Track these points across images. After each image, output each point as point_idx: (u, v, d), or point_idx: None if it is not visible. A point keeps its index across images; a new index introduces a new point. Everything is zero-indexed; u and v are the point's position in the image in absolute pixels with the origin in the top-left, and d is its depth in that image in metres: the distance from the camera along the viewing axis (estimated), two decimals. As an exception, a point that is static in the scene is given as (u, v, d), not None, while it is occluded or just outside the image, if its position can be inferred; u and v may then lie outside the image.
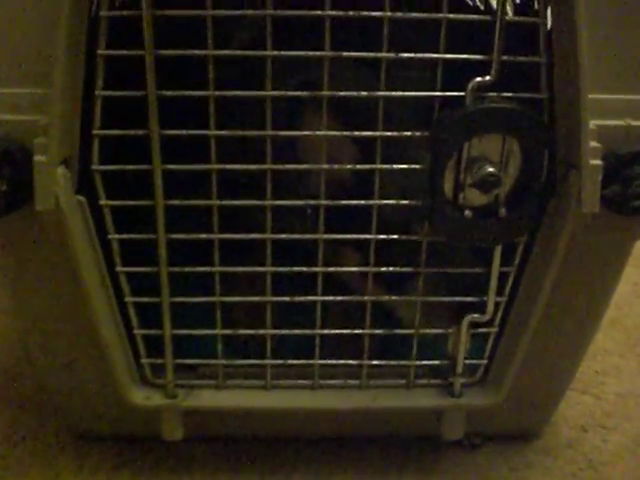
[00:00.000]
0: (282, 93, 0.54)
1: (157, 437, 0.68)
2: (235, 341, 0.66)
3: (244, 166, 0.57)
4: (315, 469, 0.74)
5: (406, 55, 0.54)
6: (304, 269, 0.60)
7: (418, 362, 0.65)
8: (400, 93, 0.55)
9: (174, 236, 0.58)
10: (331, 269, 0.61)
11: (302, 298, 0.61)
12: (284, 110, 0.58)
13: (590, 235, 0.58)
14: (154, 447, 0.75)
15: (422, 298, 0.62)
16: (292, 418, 0.71)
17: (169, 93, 0.54)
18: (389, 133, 0.56)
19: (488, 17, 0.53)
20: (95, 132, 0.55)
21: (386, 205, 0.58)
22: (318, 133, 0.56)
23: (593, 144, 0.54)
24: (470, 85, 0.53)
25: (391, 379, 0.67)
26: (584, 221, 0.56)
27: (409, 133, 0.56)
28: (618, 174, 0.55)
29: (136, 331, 0.63)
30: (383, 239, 0.59)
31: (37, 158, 0.52)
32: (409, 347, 0.64)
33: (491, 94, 0.54)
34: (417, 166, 0.57)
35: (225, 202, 0.57)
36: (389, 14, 0.52)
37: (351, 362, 0.65)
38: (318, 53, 0.53)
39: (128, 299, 0.61)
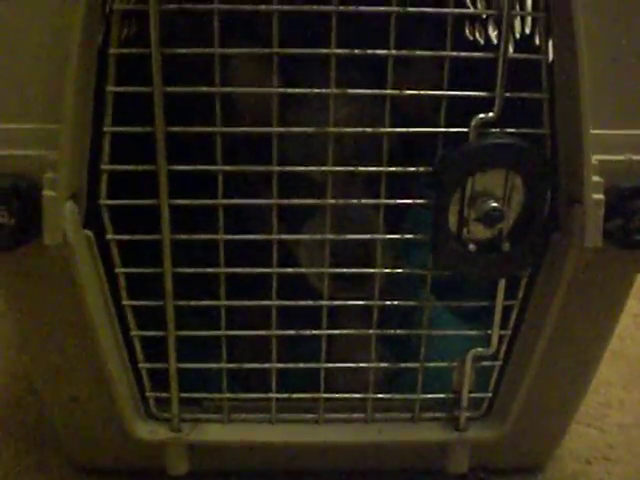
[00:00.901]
0: (288, 130, 0.55)
1: (161, 471, 0.68)
2: (240, 374, 0.66)
3: (248, 201, 0.58)
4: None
5: (409, 92, 0.55)
6: (310, 303, 0.60)
7: (423, 396, 0.65)
8: (404, 130, 0.56)
9: (180, 270, 0.59)
10: (336, 303, 0.61)
11: (307, 332, 0.62)
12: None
13: (593, 268, 0.59)
14: (158, 481, 0.75)
15: (427, 331, 0.62)
16: (297, 452, 0.71)
17: (177, 129, 0.55)
18: (393, 169, 0.57)
19: (491, 55, 0.54)
20: (103, 167, 0.56)
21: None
22: (324, 169, 0.57)
23: (595, 179, 0.55)
24: (473, 121, 0.54)
25: (396, 412, 0.67)
26: (587, 254, 0.57)
27: (413, 169, 0.56)
28: (620, 208, 0.56)
29: (141, 365, 0.63)
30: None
31: (46, 193, 0.53)
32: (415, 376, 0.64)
33: (494, 130, 0.55)
34: (422, 201, 0.57)
35: (231, 237, 0.58)
36: (394, 52, 0.53)
37: (356, 396, 0.65)
38: (324, 91, 0.54)
39: (134, 333, 0.61)
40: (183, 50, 0.53)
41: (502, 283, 0.61)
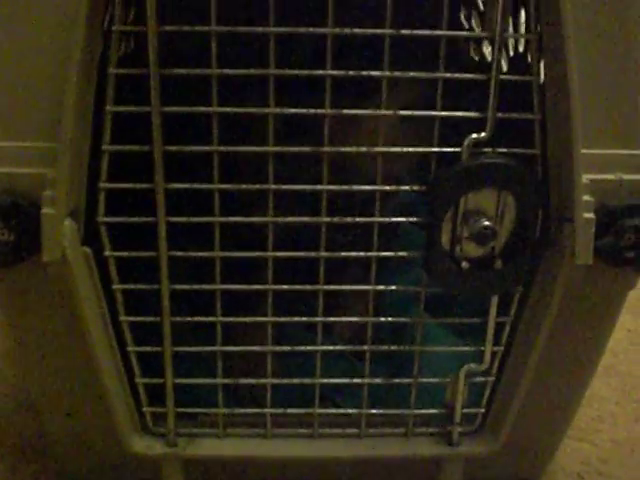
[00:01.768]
0: (285, 149, 0.56)
1: (157, 486, 0.68)
2: (235, 388, 0.67)
3: (245, 219, 0.58)
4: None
5: (403, 112, 0.56)
6: (304, 319, 0.61)
7: (417, 411, 0.66)
8: (398, 149, 0.57)
9: (177, 287, 0.59)
10: (331, 319, 0.62)
11: (302, 348, 0.62)
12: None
13: (584, 285, 0.60)
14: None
15: (420, 348, 0.63)
16: (292, 466, 0.72)
17: (174, 148, 0.55)
18: (388, 188, 0.57)
19: (483, 76, 0.55)
20: (102, 185, 0.57)
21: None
22: (318, 187, 0.57)
23: (586, 198, 0.55)
24: (466, 141, 0.55)
25: (390, 427, 0.67)
26: (578, 272, 0.58)
27: (407, 187, 0.57)
28: (610, 226, 0.57)
29: (138, 380, 0.63)
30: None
31: (45, 211, 0.53)
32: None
33: (486, 150, 0.56)
34: (415, 219, 0.58)
35: (228, 253, 0.59)
36: (387, 74, 0.54)
37: (350, 411, 0.66)
38: (319, 111, 0.55)
39: (130, 348, 0.62)
40: (182, 70, 0.54)
41: (495, 300, 0.61)
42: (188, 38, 0.54)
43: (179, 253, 0.58)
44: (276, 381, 0.63)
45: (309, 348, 0.62)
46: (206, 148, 0.56)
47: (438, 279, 0.59)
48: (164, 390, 0.63)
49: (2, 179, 0.55)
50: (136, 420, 0.66)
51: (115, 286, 0.60)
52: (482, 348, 0.63)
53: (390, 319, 0.63)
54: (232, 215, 0.58)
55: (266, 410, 0.65)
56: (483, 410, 0.67)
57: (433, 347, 0.64)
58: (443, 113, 0.56)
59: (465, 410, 0.66)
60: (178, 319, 0.61)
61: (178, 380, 0.63)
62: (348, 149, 0.58)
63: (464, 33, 0.56)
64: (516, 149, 0.57)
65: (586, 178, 0.56)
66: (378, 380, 0.64)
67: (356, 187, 0.58)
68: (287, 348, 0.63)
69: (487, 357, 0.63)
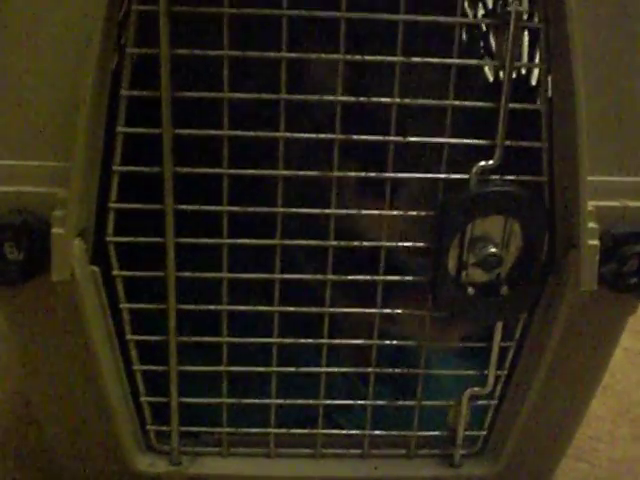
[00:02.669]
0: (294, 173, 0.57)
1: (160, 503, 0.68)
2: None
3: (252, 241, 0.59)
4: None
5: (413, 139, 0.56)
6: (310, 341, 0.61)
7: (420, 433, 0.66)
8: (407, 175, 0.57)
9: (184, 307, 0.60)
10: (336, 342, 0.62)
11: (306, 369, 0.63)
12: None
13: (587, 310, 0.60)
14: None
15: (425, 371, 0.63)
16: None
17: (185, 170, 0.56)
18: (395, 212, 0.58)
19: (493, 104, 0.55)
20: (111, 205, 0.57)
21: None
22: (326, 211, 0.58)
23: (591, 225, 0.56)
24: (474, 169, 0.55)
25: (392, 448, 0.68)
26: (582, 298, 0.58)
27: (414, 213, 0.58)
28: (614, 253, 0.57)
29: (143, 398, 0.64)
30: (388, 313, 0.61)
31: (55, 231, 0.54)
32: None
33: (494, 177, 0.56)
34: (422, 244, 0.59)
35: (235, 275, 0.59)
36: (398, 100, 0.55)
37: (353, 432, 0.66)
38: (329, 136, 0.55)
39: (136, 367, 0.62)
40: (194, 94, 0.54)
41: (499, 325, 0.62)
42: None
43: (187, 274, 0.59)
44: (280, 401, 0.64)
45: (313, 370, 0.62)
46: (216, 170, 0.56)
47: (444, 305, 0.59)
48: (168, 408, 0.63)
49: (13, 198, 0.55)
50: (140, 438, 0.66)
51: (122, 305, 0.60)
52: (485, 372, 0.63)
53: (394, 342, 0.63)
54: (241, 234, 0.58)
55: (270, 430, 0.65)
56: (485, 432, 0.68)
57: (436, 370, 0.65)
58: (452, 140, 0.56)
59: (467, 432, 0.66)
60: (184, 339, 0.61)
61: (183, 399, 0.63)
62: (355, 174, 0.58)
63: (475, 61, 0.56)
64: (523, 176, 0.57)
65: (591, 205, 0.56)
66: (382, 402, 0.65)
67: (365, 212, 0.58)
68: (291, 369, 0.63)
69: (490, 381, 0.64)
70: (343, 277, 0.60)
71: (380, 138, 0.56)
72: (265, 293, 0.60)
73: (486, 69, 0.88)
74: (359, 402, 0.64)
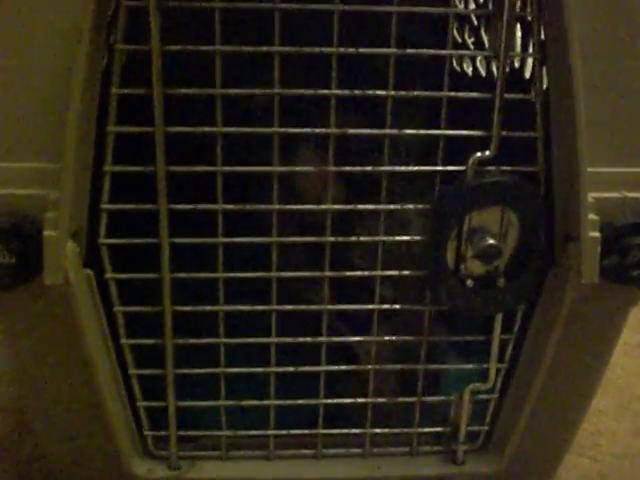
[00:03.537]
0: (288, 169, 0.56)
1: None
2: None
3: (247, 239, 0.58)
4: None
5: (408, 132, 0.56)
6: (308, 339, 0.61)
7: (421, 430, 0.65)
8: (403, 168, 0.57)
9: (179, 308, 0.59)
10: (335, 339, 0.61)
11: (306, 369, 0.62)
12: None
13: (589, 303, 0.60)
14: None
15: (424, 366, 0.63)
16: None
17: (177, 169, 0.55)
18: (392, 206, 0.57)
19: (488, 95, 0.55)
20: (103, 206, 0.56)
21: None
22: (323, 207, 0.57)
23: (591, 217, 0.55)
24: (471, 160, 0.55)
25: (394, 447, 0.67)
26: (583, 290, 0.58)
27: (411, 206, 0.57)
28: (615, 245, 0.57)
29: (139, 403, 0.63)
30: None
31: (47, 233, 0.53)
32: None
33: (490, 168, 0.56)
34: (419, 237, 0.58)
35: (231, 274, 0.58)
36: (392, 93, 0.54)
37: (354, 431, 0.65)
38: (324, 131, 0.55)
39: (132, 371, 0.61)
40: (186, 90, 0.53)
41: (499, 317, 0.61)
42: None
43: (182, 275, 0.58)
44: (279, 402, 0.63)
45: (313, 369, 0.62)
46: (210, 168, 0.55)
47: (443, 297, 0.58)
48: (166, 413, 0.62)
49: (3, 201, 0.54)
50: (138, 443, 0.65)
51: (116, 308, 0.59)
52: (486, 366, 0.63)
53: (394, 338, 0.62)
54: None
55: (269, 432, 0.64)
56: (487, 428, 0.67)
57: (437, 366, 0.64)
58: (448, 132, 0.55)
59: (470, 428, 0.66)
60: (180, 341, 0.60)
61: (180, 403, 0.62)
62: (352, 169, 0.57)
63: (469, 52, 0.56)
64: (519, 167, 0.57)
65: (591, 197, 0.56)
66: (382, 399, 0.64)
67: (361, 206, 0.57)
68: (290, 369, 0.62)
69: (492, 374, 0.63)
70: (340, 273, 0.59)
71: (376, 131, 0.55)
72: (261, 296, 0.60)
73: (478, 64, 0.88)
74: (359, 400, 0.63)
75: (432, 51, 0.54)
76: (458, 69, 0.95)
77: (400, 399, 0.65)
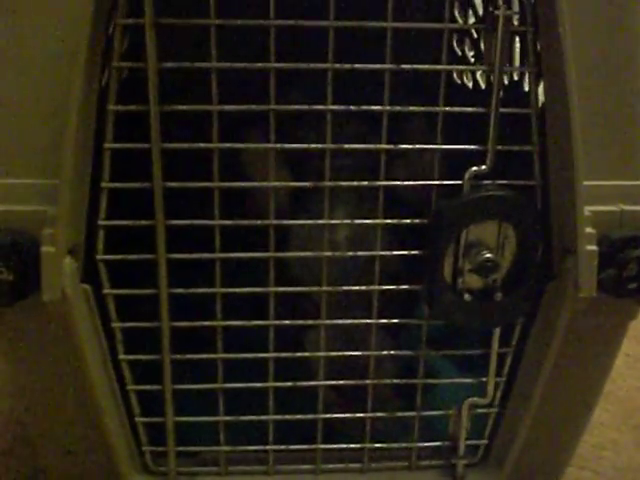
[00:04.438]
0: (284, 184, 0.56)
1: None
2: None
3: (245, 254, 0.58)
4: None
5: (404, 146, 0.56)
6: (306, 354, 0.61)
7: (420, 444, 0.65)
8: (400, 182, 0.57)
9: (177, 324, 0.59)
10: (333, 354, 0.61)
11: (304, 383, 0.62)
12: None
13: (587, 316, 0.59)
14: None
15: (423, 381, 0.62)
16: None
17: (174, 185, 0.55)
18: (389, 221, 0.57)
19: (483, 110, 0.55)
20: (101, 223, 0.56)
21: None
22: (320, 222, 0.57)
23: (588, 230, 0.55)
24: (467, 174, 0.55)
25: (393, 461, 0.67)
26: (581, 304, 0.57)
27: (408, 221, 0.57)
28: (613, 258, 0.57)
29: (138, 419, 0.63)
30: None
31: (45, 249, 0.53)
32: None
33: (487, 182, 0.56)
34: (416, 252, 0.58)
35: (229, 290, 0.58)
36: (388, 108, 0.54)
37: (353, 446, 0.65)
38: (320, 146, 0.55)
39: (130, 387, 0.61)
40: (182, 107, 0.54)
41: (497, 331, 0.61)
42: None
43: (180, 290, 0.58)
44: (278, 417, 0.63)
45: (311, 383, 0.61)
46: (205, 184, 0.55)
47: (440, 312, 0.58)
48: (164, 428, 0.62)
49: (1, 217, 0.54)
50: (136, 459, 0.65)
51: (114, 324, 0.59)
52: (484, 380, 0.63)
53: (392, 352, 0.62)
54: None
55: (268, 447, 0.64)
56: (486, 441, 0.67)
57: (436, 380, 0.64)
58: (444, 147, 0.56)
59: (469, 442, 0.65)
60: (178, 356, 0.60)
61: (179, 418, 0.62)
62: (349, 183, 0.57)
63: (463, 67, 0.56)
64: (516, 181, 0.57)
65: (588, 210, 0.56)
66: (382, 414, 0.64)
67: (358, 221, 0.57)
68: (289, 384, 0.62)
69: (490, 388, 0.63)
70: (339, 288, 0.59)
71: (371, 146, 0.56)
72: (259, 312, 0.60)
73: (478, 77, 0.88)
74: (358, 415, 0.63)
75: (427, 66, 0.54)
76: (458, 81, 0.96)
77: (399, 414, 0.64)
